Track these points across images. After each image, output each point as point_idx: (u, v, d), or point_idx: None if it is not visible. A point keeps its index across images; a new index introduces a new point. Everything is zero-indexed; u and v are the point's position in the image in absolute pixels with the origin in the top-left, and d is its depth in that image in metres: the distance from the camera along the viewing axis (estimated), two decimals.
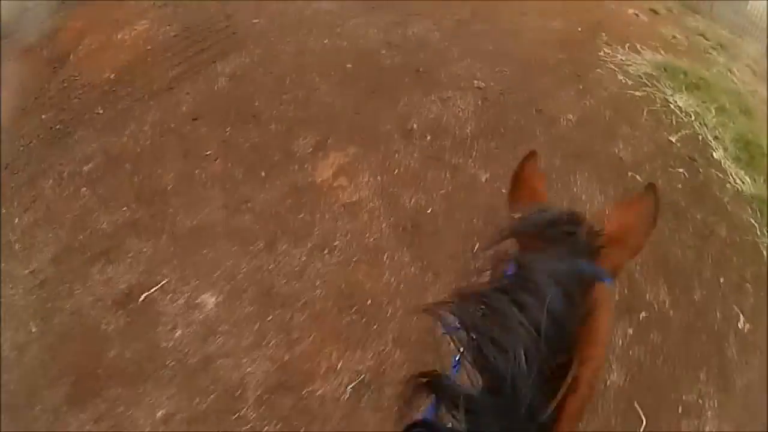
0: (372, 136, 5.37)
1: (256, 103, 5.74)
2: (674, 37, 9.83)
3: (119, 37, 6.41)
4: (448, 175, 4.94)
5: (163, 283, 3.83)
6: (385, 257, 4.06)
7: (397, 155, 5.12)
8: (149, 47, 6.21)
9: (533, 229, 0.98)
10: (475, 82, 6.11)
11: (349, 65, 6.18)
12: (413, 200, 4.55)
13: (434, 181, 4.84)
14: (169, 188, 4.49)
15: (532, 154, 1.28)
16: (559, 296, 0.82)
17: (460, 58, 6.50)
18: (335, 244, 4.12)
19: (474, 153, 5.10)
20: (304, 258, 4.01)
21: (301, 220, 4.29)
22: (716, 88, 7.94)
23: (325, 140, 5.23)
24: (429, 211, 4.52)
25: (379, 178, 4.84)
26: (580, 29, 8.51)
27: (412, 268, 3.99)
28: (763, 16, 10.84)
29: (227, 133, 5.05)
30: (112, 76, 5.81)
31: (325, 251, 4.06)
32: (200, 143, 4.94)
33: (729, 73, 9.38)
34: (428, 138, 5.32)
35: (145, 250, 4.03)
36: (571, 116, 6.07)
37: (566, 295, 0.83)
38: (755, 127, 7.49)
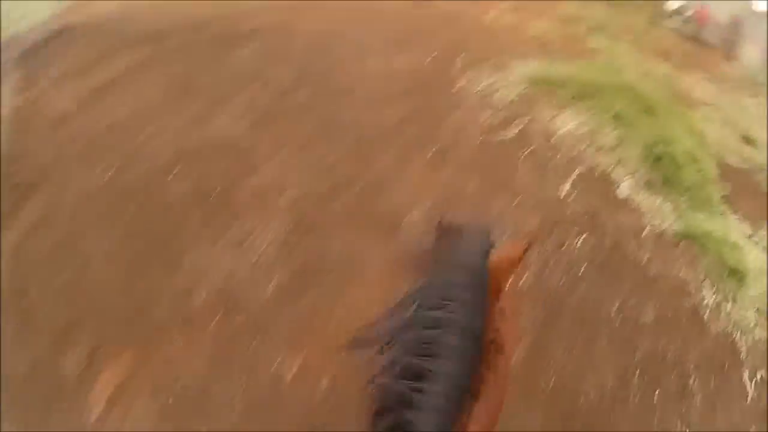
0: (148, 331, 3.87)
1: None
2: (545, 31, 8.35)
3: None
4: (244, 380, 3.48)
5: None
6: None
7: (177, 360, 3.64)
8: None
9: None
10: (285, 196, 4.70)
11: (132, 207, 4.58)
12: None
13: (223, 395, 3.41)
14: None
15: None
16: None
17: (269, 156, 5.12)
18: None
19: (276, 332, 3.62)
20: None
21: None
22: (607, 89, 6.53)
23: (97, 348, 3.77)
24: None
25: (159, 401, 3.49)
26: (432, 56, 6.84)
27: None
28: None
29: None
30: None
31: None
32: None
33: (614, 58, 7.93)
34: (217, 318, 3.83)
35: None
36: (420, 210, 4.30)
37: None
38: (662, 128, 6.16)
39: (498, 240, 1.19)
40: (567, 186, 5.13)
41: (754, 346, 4.35)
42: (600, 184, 5.23)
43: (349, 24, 7.99)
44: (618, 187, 5.27)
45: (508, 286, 1.10)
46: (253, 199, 4.69)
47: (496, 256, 1.11)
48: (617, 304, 4.27)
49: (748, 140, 7.36)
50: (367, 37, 7.58)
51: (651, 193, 5.31)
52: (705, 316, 4.45)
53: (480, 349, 0.94)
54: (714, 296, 4.64)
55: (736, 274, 4.77)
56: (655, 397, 3.75)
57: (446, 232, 1.25)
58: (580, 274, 4.39)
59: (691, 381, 3.93)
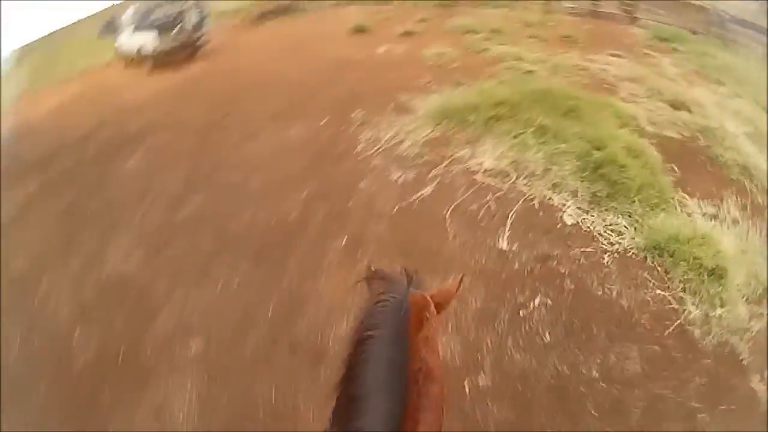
0: None
1: None
2: (441, 54, 7.78)
3: None
4: None
5: None
6: None
7: None
8: None
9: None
10: (191, 345, 4.03)
11: (42, 386, 3.94)
12: None
13: None
14: None
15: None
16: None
17: (167, 294, 4.49)
18: None
19: None
20: None
21: None
22: (521, 102, 5.97)
23: None
24: None
25: None
26: (326, 120, 6.13)
27: None
28: None
29: None
30: None
31: None
32: None
33: (520, 62, 7.38)
34: None
35: None
36: (346, 320, 3.54)
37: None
38: (591, 129, 5.69)
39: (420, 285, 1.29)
40: (506, 235, 4.39)
41: (754, 344, 3.78)
42: (541, 219, 4.55)
43: (234, 103, 7.66)
44: (562, 216, 4.54)
45: (430, 316, 1.20)
46: (160, 354, 4.00)
47: (416, 293, 1.24)
48: (597, 363, 3.58)
49: (679, 105, 6.86)
50: (256, 113, 7.15)
51: (600, 210, 4.66)
52: (695, 334, 3.83)
53: (406, 379, 1.00)
54: (699, 307, 4.01)
55: (716, 272, 4.17)
56: None
57: (375, 280, 1.38)
58: (546, 342, 3.62)
59: (698, 417, 3.29)
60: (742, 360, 3.70)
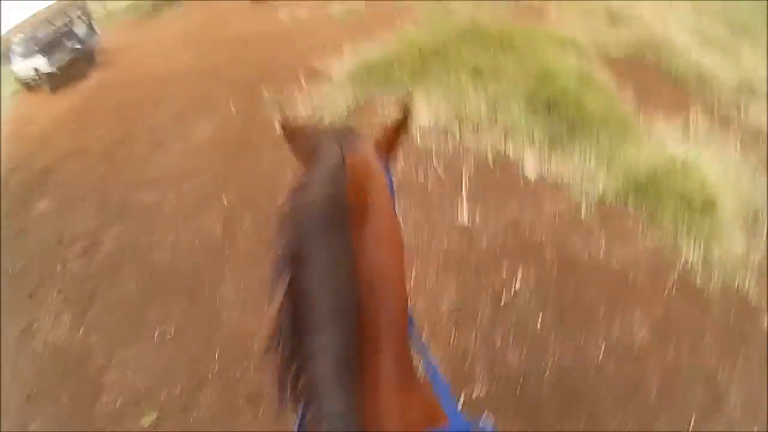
0: None
1: None
2: (349, 9, 6.86)
3: None
4: None
5: None
6: None
7: None
8: None
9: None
10: (142, 417, 3.24)
11: None
12: None
13: None
14: None
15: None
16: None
17: (106, 364, 3.68)
18: None
19: None
20: None
21: None
22: (447, 45, 5.38)
23: None
24: None
25: None
26: (233, 107, 5.14)
27: None
28: None
29: None
30: None
31: None
32: None
33: (439, 1, 6.53)
34: None
35: None
36: None
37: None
38: (533, 62, 5.07)
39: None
40: (464, 207, 3.64)
41: (758, 278, 3.32)
42: (500, 179, 3.84)
43: (137, 111, 6.95)
44: (522, 169, 3.83)
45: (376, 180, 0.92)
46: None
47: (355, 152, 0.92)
48: (601, 343, 3.00)
49: (618, 19, 6.23)
50: (159, 116, 6.38)
51: (563, 155, 3.93)
52: (698, 283, 3.31)
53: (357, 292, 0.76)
54: (696, 251, 3.47)
55: (707, 205, 3.57)
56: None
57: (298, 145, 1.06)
58: (539, 331, 2.95)
59: (718, 378, 2.85)
60: (750, 301, 3.24)
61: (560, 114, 4.27)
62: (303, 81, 5.70)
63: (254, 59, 6.94)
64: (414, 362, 0.90)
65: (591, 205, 3.72)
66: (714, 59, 5.39)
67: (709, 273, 3.36)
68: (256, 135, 5.09)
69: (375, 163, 0.96)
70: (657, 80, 5.07)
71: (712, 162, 4.01)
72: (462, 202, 3.79)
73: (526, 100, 4.51)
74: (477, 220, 3.69)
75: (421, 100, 4.66)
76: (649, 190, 3.67)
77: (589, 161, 3.98)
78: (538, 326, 3.05)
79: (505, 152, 4.12)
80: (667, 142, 4.13)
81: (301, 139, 1.06)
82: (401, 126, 1.09)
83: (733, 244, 3.55)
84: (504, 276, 3.30)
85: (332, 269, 0.76)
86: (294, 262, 0.77)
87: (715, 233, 3.55)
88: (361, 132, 1.02)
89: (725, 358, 2.88)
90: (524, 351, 2.97)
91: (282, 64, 6.44)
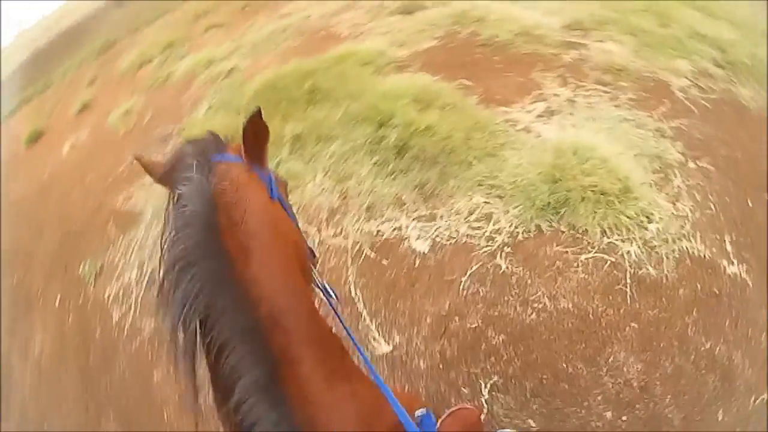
0: None
1: None
2: (128, 110, 5.94)
3: None
4: None
5: None
6: None
7: None
8: None
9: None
10: None
11: None
12: None
13: None
14: None
15: None
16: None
17: None
18: None
19: None
20: None
21: None
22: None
23: None
24: None
25: None
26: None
27: None
28: None
29: None
30: None
31: None
32: None
33: (215, 66, 5.74)
34: None
35: None
36: None
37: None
38: (360, 102, 4.34)
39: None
40: (373, 324, 2.85)
41: (699, 228, 3.13)
42: (392, 269, 3.08)
43: None
44: (411, 247, 3.13)
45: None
46: None
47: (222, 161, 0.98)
48: (596, 399, 2.53)
49: (410, 8, 5.73)
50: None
51: (444, 201, 3.27)
52: (653, 275, 2.93)
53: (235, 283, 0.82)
54: (633, 242, 3.05)
55: (621, 188, 3.23)
56: None
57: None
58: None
59: (725, 359, 2.58)
60: (704, 258, 2.98)
61: (418, 155, 3.58)
62: (110, 231, 4.57)
63: (56, 224, 5.76)
64: (347, 356, 0.96)
65: (505, 249, 3.06)
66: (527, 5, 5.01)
67: (659, 257, 3.00)
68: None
69: (239, 169, 0.97)
70: (482, 57, 4.61)
71: (596, 130, 3.56)
72: (371, 326, 2.96)
73: (369, 153, 3.77)
74: (396, 340, 2.89)
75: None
76: (556, 202, 3.09)
77: (475, 196, 3.32)
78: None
79: (379, 233, 3.36)
80: (541, 130, 3.61)
81: (161, 167, 1.04)
82: (259, 132, 1.04)
83: (664, 213, 3.11)
84: (465, 389, 2.58)
85: (218, 287, 0.80)
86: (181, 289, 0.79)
87: (642, 211, 3.07)
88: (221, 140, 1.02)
89: (710, 335, 2.65)
90: None
91: (83, 219, 5.34)
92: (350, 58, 4.90)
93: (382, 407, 0.87)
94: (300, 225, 1.28)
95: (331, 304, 1.31)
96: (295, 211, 1.25)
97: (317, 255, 1.39)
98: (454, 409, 1.10)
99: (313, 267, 1.23)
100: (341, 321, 1.27)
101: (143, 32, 10.34)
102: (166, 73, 7.26)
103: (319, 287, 1.29)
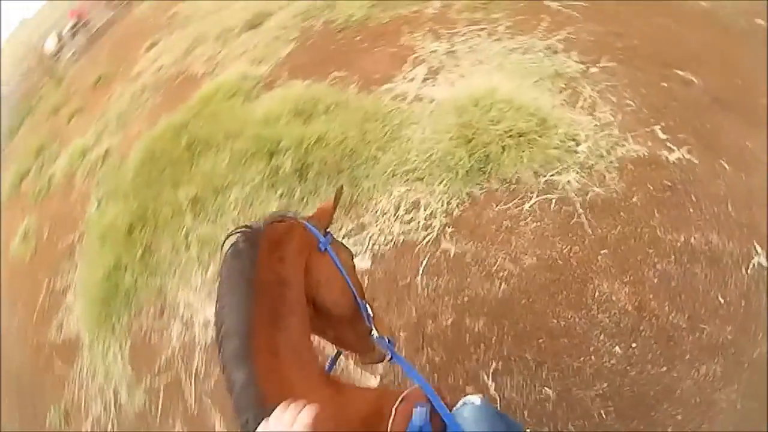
0: None
1: None
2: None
3: None
4: None
5: None
6: None
7: None
8: None
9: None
10: None
11: None
12: None
13: None
14: None
15: None
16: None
17: None
18: None
19: None
20: None
21: None
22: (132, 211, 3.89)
23: None
24: None
25: None
26: None
27: None
28: None
29: None
30: None
31: None
32: None
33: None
34: None
35: None
36: None
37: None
38: (242, 137, 3.98)
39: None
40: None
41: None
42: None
43: None
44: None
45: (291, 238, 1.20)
46: None
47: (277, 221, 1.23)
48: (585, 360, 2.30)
49: (255, 22, 5.44)
50: None
51: (367, 207, 3.05)
52: (602, 194, 2.79)
53: (254, 288, 1.05)
54: (569, 170, 2.92)
55: (538, 122, 3.06)
56: None
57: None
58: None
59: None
60: (643, 156, 2.88)
61: (318, 171, 3.29)
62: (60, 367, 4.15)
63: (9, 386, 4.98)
64: (316, 364, 1.14)
65: (447, 234, 2.82)
66: None
67: (599, 174, 2.86)
68: None
69: (293, 226, 1.23)
70: (347, 40, 4.37)
71: (487, 71, 3.36)
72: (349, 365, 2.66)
73: (272, 188, 3.48)
74: (380, 368, 2.62)
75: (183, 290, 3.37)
76: (479, 162, 2.88)
77: (394, 188, 3.06)
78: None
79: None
80: (432, 94, 3.38)
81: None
82: (328, 215, 1.35)
83: (584, 127, 2.93)
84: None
85: (241, 271, 1.06)
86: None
87: (567, 135, 2.92)
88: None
89: (682, 223, 2.55)
90: None
91: (29, 368, 4.70)
92: (215, 96, 4.54)
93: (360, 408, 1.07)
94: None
95: (392, 352, 1.40)
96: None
97: (371, 313, 1.41)
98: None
99: (369, 322, 1.38)
100: (410, 370, 1.27)
101: (14, 142, 9.99)
102: (46, 179, 6.75)
103: (376, 339, 1.39)
